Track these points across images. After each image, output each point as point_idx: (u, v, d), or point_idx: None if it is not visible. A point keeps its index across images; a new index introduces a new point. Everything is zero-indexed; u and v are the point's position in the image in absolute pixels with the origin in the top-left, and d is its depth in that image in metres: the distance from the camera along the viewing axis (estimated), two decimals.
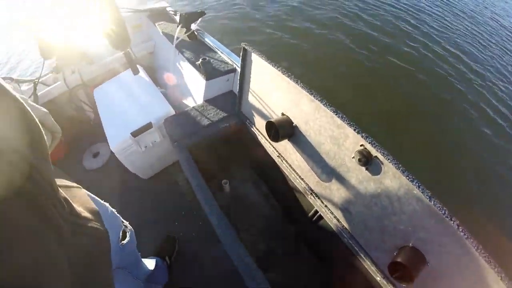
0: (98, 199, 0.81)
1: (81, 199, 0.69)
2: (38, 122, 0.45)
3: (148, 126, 1.72)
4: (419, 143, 3.46)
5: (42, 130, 0.46)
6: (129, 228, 1.02)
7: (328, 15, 5.54)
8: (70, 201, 0.59)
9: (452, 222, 0.82)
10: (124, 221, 1.01)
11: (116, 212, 0.92)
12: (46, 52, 2.07)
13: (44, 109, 0.67)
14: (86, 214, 0.64)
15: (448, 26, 6.18)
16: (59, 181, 0.63)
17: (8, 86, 0.38)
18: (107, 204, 0.85)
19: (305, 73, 4.03)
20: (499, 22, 7.24)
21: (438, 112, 3.96)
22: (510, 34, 6.83)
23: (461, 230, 0.81)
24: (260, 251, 1.23)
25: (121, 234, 0.93)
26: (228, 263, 1.62)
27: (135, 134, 1.69)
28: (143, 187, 2.09)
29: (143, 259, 1.47)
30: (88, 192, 0.78)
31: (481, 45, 5.78)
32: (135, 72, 1.79)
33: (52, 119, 0.69)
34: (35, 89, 2.12)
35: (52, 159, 0.57)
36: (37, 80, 2.14)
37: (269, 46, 4.53)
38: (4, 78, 2.08)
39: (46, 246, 0.42)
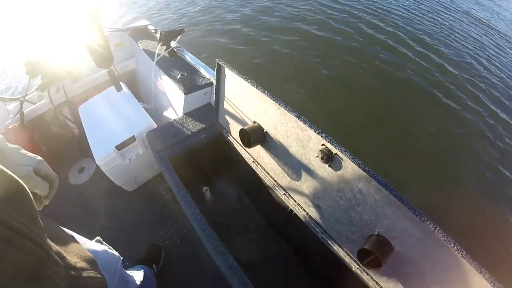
0: (93, 242, 0.80)
1: (75, 249, 0.68)
2: (19, 181, 0.43)
3: (132, 140, 1.80)
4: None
5: (26, 190, 0.44)
6: (117, 256, 1.03)
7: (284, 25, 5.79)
8: (64, 254, 0.57)
9: (408, 207, 0.91)
10: (114, 251, 1.02)
11: (112, 250, 0.93)
12: (31, 71, 2.14)
13: (39, 158, 0.65)
14: (81, 264, 0.63)
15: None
16: (49, 234, 0.63)
17: None
18: (103, 244, 0.85)
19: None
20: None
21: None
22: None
23: (417, 214, 0.89)
24: (243, 253, 1.31)
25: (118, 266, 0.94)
26: (214, 268, 1.69)
27: (119, 147, 1.77)
28: (128, 199, 2.16)
29: (129, 269, 1.51)
30: (82, 237, 0.78)
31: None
32: (118, 89, 1.88)
33: (48, 166, 0.68)
34: (21, 107, 2.17)
35: None
36: (22, 98, 2.19)
37: (247, 58, 4.73)
38: None
39: None
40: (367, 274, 1.20)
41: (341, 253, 1.28)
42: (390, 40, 5.46)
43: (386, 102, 4.20)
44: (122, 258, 1.06)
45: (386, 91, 4.38)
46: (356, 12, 6.36)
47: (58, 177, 0.70)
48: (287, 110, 1.21)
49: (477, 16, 7.80)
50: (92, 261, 0.70)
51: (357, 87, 4.37)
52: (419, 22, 6.45)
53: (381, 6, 6.89)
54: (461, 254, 0.82)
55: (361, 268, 1.22)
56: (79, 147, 2.51)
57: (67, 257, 0.58)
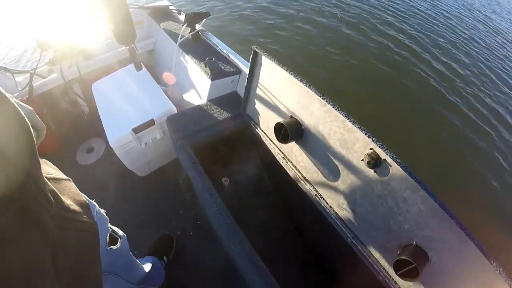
0: (85, 196, 0.77)
1: (70, 192, 0.67)
2: (26, 119, 0.43)
3: (151, 123, 1.71)
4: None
5: (28, 123, 0.44)
6: (120, 234, 0.98)
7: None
8: (59, 194, 0.57)
9: (455, 221, 0.87)
10: (114, 227, 0.97)
11: (104, 214, 0.89)
12: (43, 44, 2.04)
13: (29, 107, 0.66)
14: (74, 207, 0.63)
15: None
16: (48, 174, 0.62)
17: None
18: (95, 203, 0.82)
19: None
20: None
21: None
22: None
23: (463, 228, 0.86)
24: (262, 251, 1.25)
25: (108, 238, 0.89)
26: (227, 263, 1.63)
27: (136, 130, 1.68)
28: (139, 184, 2.07)
29: (138, 260, 1.46)
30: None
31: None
32: (139, 68, 1.78)
33: (37, 116, 0.68)
34: (31, 80, 2.07)
35: (45, 152, 0.56)
36: (33, 71, 2.10)
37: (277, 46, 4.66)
38: None
39: (31, 250, 0.41)
40: (395, 283, 1.15)
41: (371, 260, 1.22)
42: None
43: None
44: (125, 235, 1.02)
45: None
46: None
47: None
48: (335, 109, 1.14)
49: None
50: (86, 205, 0.69)
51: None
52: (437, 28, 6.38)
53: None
54: (498, 270, 0.81)
55: (389, 277, 1.17)
56: (88, 125, 2.41)
57: (62, 197, 0.58)
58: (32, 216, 0.42)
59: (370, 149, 1.07)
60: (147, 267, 1.44)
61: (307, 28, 5.29)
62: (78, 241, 0.59)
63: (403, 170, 0.97)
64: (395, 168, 1.01)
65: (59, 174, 0.70)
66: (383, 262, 1.19)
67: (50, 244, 0.46)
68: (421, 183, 0.94)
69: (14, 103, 0.41)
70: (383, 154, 1.03)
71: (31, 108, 0.66)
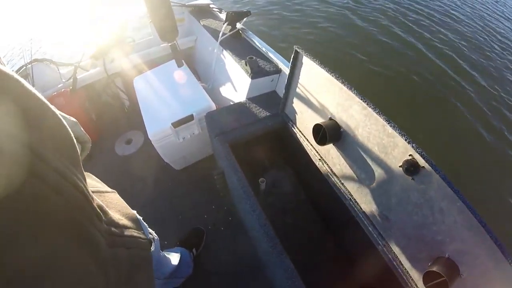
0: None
1: (117, 205, 0.64)
2: (66, 126, 0.40)
3: (189, 118, 1.75)
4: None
5: (71, 134, 0.41)
6: (154, 237, 0.95)
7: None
8: (106, 208, 0.53)
9: (490, 235, 0.84)
10: (150, 230, 0.94)
11: (143, 221, 0.86)
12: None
13: (73, 119, 0.64)
14: (123, 221, 0.59)
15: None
16: (92, 187, 0.58)
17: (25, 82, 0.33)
18: (135, 212, 0.78)
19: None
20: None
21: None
22: None
23: (498, 244, 0.83)
24: (292, 251, 1.24)
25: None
26: (254, 259, 1.64)
27: (175, 124, 1.72)
28: (175, 177, 2.13)
29: (168, 250, 1.49)
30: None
31: None
32: (180, 64, 1.84)
33: (81, 128, 0.66)
34: (75, 72, 2.19)
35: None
36: (77, 64, 2.21)
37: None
38: (44, 60, 2.16)
39: (84, 271, 0.39)
40: None
41: (400, 269, 1.19)
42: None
43: None
44: (157, 238, 1.01)
45: None
46: None
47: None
48: (376, 112, 1.11)
49: None
50: (136, 219, 0.66)
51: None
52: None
53: None
54: None
55: None
56: (128, 118, 2.51)
57: (109, 212, 0.54)
58: (84, 235, 0.39)
59: (409, 155, 1.04)
60: (175, 258, 1.46)
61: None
62: (129, 259, 0.55)
63: (442, 179, 0.94)
64: (434, 177, 0.98)
65: (103, 186, 0.67)
66: (413, 273, 1.15)
67: (103, 264, 0.43)
68: (459, 194, 0.91)
69: (59, 114, 0.39)
70: (422, 162, 1.00)
71: (76, 120, 0.65)
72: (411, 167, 1.02)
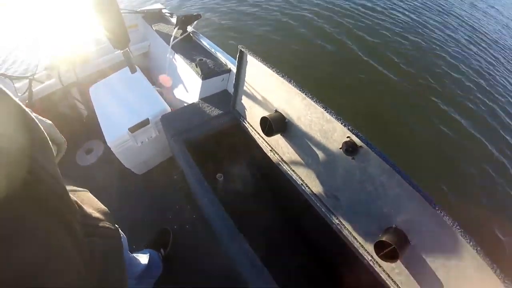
0: None
1: (90, 201, 0.68)
2: (41, 127, 0.45)
3: (146, 122, 1.79)
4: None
5: (47, 137, 0.46)
6: (121, 235, 0.97)
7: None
8: (80, 203, 0.58)
9: (428, 201, 0.92)
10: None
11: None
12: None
13: (49, 121, 0.67)
14: (96, 214, 0.64)
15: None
16: (67, 187, 0.62)
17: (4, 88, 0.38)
18: (105, 208, 0.85)
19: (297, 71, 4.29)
20: None
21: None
22: None
23: (437, 208, 0.90)
24: (255, 241, 1.31)
25: None
26: (222, 255, 1.69)
27: (132, 129, 1.75)
28: (137, 182, 2.15)
29: (136, 253, 1.51)
30: None
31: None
32: (133, 70, 1.86)
33: (57, 130, 0.70)
34: (30, 85, 2.14)
35: None
36: (31, 77, 2.16)
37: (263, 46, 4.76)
38: None
39: (62, 244, 0.42)
40: (379, 266, 1.21)
41: (355, 244, 1.28)
42: None
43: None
44: (125, 237, 1.04)
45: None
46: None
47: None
48: (314, 101, 1.20)
49: None
50: (107, 213, 0.70)
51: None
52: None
53: None
54: (476, 250, 0.84)
55: (374, 260, 1.23)
56: (87, 128, 2.48)
57: (83, 206, 0.59)
58: (64, 219, 0.44)
59: (347, 137, 1.13)
60: (144, 259, 1.49)
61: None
62: (103, 248, 0.59)
63: (378, 156, 1.03)
64: (371, 155, 1.07)
65: (74, 186, 0.70)
66: (367, 246, 1.24)
67: (80, 249, 0.47)
68: (395, 167, 1.00)
69: (34, 117, 0.43)
70: (359, 142, 1.09)
71: (50, 122, 0.68)
72: (349, 147, 1.12)
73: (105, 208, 0.72)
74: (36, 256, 0.35)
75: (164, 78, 2.25)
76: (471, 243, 0.85)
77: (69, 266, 0.43)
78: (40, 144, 0.43)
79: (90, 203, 0.66)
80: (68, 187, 0.60)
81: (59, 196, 0.44)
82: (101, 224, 0.63)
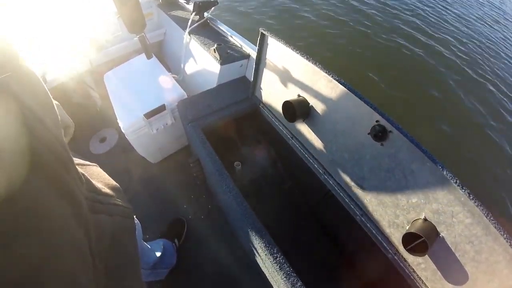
0: None
1: (100, 176, 0.65)
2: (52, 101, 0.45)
3: (161, 108, 1.74)
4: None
5: (55, 107, 0.45)
6: (136, 222, 0.97)
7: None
8: (88, 177, 0.54)
9: (463, 190, 0.86)
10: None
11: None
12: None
13: (56, 102, 0.62)
14: (106, 190, 0.60)
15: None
16: (74, 160, 0.56)
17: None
18: (117, 184, 0.80)
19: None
20: None
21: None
22: None
23: (472, 198, 0.84)
24: (274, 231, 1.25)
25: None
26: (237, 245, 1.64)
27: (148, 115, 1.71)
28: (152, 171, 2.11)
29: (150, 243, 1.49)
30: None
31: None
32: (149, 56, 1.82)
33: (64, 112, 0.67)
34: (43, 74, 2.12)
35: None
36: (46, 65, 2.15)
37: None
38: None
39: (65, 226, 0.37)
40: (404, 261, 1.15)
41: (380, 237, 1.22)
42: None
43: None
44: (139, 223, 1.02)
45: None
46: None
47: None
48: (341, 83, 1.13)
49: None
50: (118, 189, 0.66)
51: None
52: None
53: None
54: (510, 243, 0.79)
55: (399, 254, 1.17)
56: (101, 116, 2.46)
57: (92, 181, 0.55)
58: (67, 191, 0.39)
59: (376, 121, 1.07)
60: (158, 249, 1.48)
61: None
62: (112, 226, 0.55)
63: (410, 141, 0.97)
64: (402, 140, 1.01)
65: (84, 161, 0.67)
66: (393, 239, 1.18)
67: (83, 223, 0.42)
68: (427, 153, 0.94)
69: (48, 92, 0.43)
70: (389, 126, 1.03)
71: (57, 102, 0.62)
72: (378, 132, 1.05)
73: (117, 184, 0.68)
74: (40, 240, 0.31)
75: (180, 63, 2.20)
76: (505, 235, 0.80)
77: (73, 248, 0.38)
78: (47, 113, 0.41)
79: (100, 179, 0.63)
80: (76, 160, 0.58)
81: (63, 162, 0.40)
82: (111, 201, 0.59)
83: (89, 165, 0.66)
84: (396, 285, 1.24)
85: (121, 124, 1.70)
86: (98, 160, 2.17)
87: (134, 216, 0.93)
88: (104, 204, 0.55)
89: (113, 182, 0.67)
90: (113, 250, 0.54)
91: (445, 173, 0.90)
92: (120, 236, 0.58)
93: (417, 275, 1.12)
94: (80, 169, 0.50)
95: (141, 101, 1.77)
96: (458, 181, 0.88)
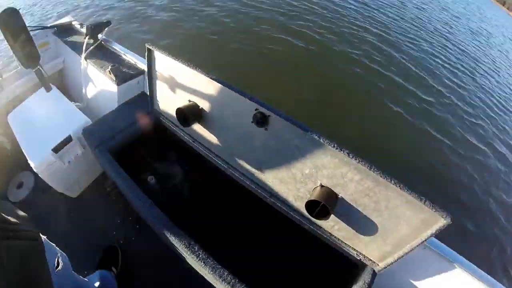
0: None
1: (9, 209, 0.76)
2: None
3: (68, 139, 1.71)
4: None
5: None
6: (60, 254, 1.00)
7: None
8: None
9: (342, 152, 0.95)
10: (58, 249, 0.99)
11: (48, 240, 0.91)
12: None
13: None
14: (15, 220, 0.69)
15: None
16: None
17: None
18: (25, 214, 0.86)
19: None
20: None
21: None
22: None
23: (351, 156, 0.94)
24: (199, 234, 1.28)
25: (56, 261, 0.92)
26: (174, 256, 1.65)
27: (56, 149, 1.67)
28: (74, 205, 2.04)
29: (87, 277, 1.47)
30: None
31: None
32: (48, 89, 1.77)
33: None
34: None
35: None
36: None
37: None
38: None
39: None
40: (320, 227, 1.25)
41: (292, 212, 1.31)
42: None
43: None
44: (66, 256, 1.05)
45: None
46: None
47: None
48: (218, 82, 1.21)
49: None
50: (25, 218, 0.78)
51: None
52: None
53: None
54: (399, 186, 0.88)
55: (313, 224, 1.26)
56: (13, 161, 2.31)
57: (2, 213, 0.65)
58: None
59: (256, 109, 1.16)
60: (96, 281, 1.46)
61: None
62: (20, 248, 0.65)
63: (286, 120, 1.06)
64: (280, 121, 1.10)
65: None
66: (302, 211, 1.26)
67: None
68: (303, 126, 1.03)
69: None
70: (267, 112, 1.12)
71: None
72: (260, 119, 1.15)
73: (24, 214, 0.80)
74: None
75: (80, 89, 2.15)
76: (392, 181, 0.89)
77: None
78: None
79: (9, 212, 0.73)
80: None
81: None
82: (19, 227, 0.69)
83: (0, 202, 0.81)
84: (321, 251, 1.32)
85: (32, 164, 1.64)
86: (20, 207, 2.05)
87: (58, 249, 1.00)
88: (13, 231, 0.65)
89: (21, 212, 0.80)
90: (23, 268, 0.64)
91: (321, 140, 0.99)
92: (30, 257, 0.69)
93: (335, 236, 1.21)
94: None
95: (47, 136, 1.73)
96: (335, 145, 0.97)
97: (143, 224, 1.87)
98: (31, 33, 1.87)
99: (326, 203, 1.02)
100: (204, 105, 1.37)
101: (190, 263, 1.21)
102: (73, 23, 2.47)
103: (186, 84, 1.41)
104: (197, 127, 1.50)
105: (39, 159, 1.65)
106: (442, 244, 1.24)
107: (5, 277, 0.54)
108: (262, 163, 1.31)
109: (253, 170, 1.37)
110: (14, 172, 2.28)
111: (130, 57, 2.02)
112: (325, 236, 1.24)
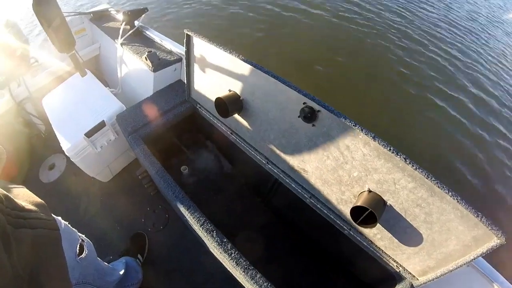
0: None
1: (24, 195, 0.70)
2: None
3: (101, 125, 1.69)
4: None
5: None
6: (86, 241, 0.98)
7: None
8: (11, 196, 0.61)
9: (399, 156, 0.87)
10: (80, 234, 0.97)
11: (70, 226, 0.90)
12: None
13: None
14: (29, 206, 0.66)
15: None
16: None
17: None
18: (60, 218, 0.83)
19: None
20: None
21: None
22: None
23: (408, 162, 0.86)
24: (229, 229, 1.24)
25: (78, 248, 0.90)
26: (201, 250, 1.63)
27: (88, 134, 1.66)
28: (105, 190, 2.05)
29: (113, 263, 1.47)
30: None
31: None
32: (83, 74, 1.76)
33: None
34: None
35: (8, 178, 0.57)
36: None
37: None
38: None
39: None
40: (361, 234, 1.18)
41: (332, 216, 1.24)
42: None
43: None
44: (90, 242, 1.02)
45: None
46: None
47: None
48: (264, 72, 1.14)
49: None
50: (43, 205, 0.73)
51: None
52: None
53: None
54: (456, 199, 0.80)
55: (354, 229, 1.19)
56: (46, 143, 2.36)
57: (15, 199, 0.62)
58: None
59: (304, 103, 1.08)
60: (121, 268, 1.45)
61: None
62: (33, 238, 0.62)
63: (338, 117, 0.98)
64: (331, 117, 1.02)
65: (11, 184, 0.74)
66: (345, 216, 1.19)
67: (5, 238, 0.50)
68: (357, 126, 0.95)
69: None
70: (316, 106, 1.04)
71: None
72: (308, 114, 1.07)
73: (41, 201, 0.74)
74: None
75: (117, 75, 2.14)
76: (450, 193, 0.81)
77: None
78: None
79: (25, 197, 0.70)
80: (2, 183, 0.68)
81: None
82: (34, 215, 0.66)
83: (15, 187, 0.72)
84: (357, 259, 1.26)
85: (64, 148, 1.64)
86: (50, 189, 2.11)
87: (84, 236, 0.98)
88: (26, 219, 0.62)
89: (37, 199, 0.73)
90: (35, 259, 0.61)
91: (378, 142, 0.91)
92: (42, 246, 0.65)
93: (376, 245, 1.14)
94: (4, 192, 0.60)
95: (81, 121, 1.72)
96: (392, 148, 0.89)
97: (172, 214, 1.86)
98: (67, 18, 1.89)
99: (374, 210, 0.95)
100: (246, 95, 1.31)
101: (220, 259, 1.18)
102: (110, 9, 2.48)
103: (226, 73, 1.35)
104: (236, 119, 1.44)
105: (71, 143, 1.65)
106: (483, 259, 1.13)
107: (12, 267, 0.51)
108: (305, 162, 1.23)
109: (295, 167, 1.29)
110: (47, 154, 2.32)
111: (167, 44, 1.99)
112: (365, 243, 1.17)
